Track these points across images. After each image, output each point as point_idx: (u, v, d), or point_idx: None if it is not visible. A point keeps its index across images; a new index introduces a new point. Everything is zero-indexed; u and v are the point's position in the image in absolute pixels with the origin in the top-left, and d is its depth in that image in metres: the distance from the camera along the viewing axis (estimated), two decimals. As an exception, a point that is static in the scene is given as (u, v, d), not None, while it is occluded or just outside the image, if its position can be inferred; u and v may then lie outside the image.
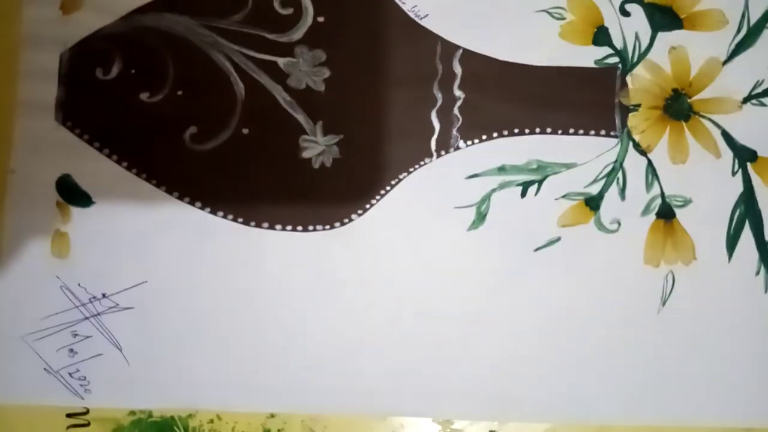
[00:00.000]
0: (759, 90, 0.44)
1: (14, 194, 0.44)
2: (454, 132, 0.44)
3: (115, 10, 0.45)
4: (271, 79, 0.44)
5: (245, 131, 0.44)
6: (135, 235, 0.44)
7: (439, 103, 0.44)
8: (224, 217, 0.44)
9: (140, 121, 0.44)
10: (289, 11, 0.44)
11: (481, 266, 0.43)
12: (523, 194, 0.44)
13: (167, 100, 0.44)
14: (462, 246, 0.44)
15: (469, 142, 0.44)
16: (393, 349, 0.43)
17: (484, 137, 0.44)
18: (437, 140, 0.44)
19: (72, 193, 0.44)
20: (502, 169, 0.44)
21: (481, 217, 0.44)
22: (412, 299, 0.43)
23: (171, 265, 0.44)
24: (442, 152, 0.44)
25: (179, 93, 0.44)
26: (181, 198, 0.44)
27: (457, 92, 0.44)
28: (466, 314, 0.43)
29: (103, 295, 0.43)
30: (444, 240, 0.44)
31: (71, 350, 0.43)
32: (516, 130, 0.44)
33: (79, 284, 0.44)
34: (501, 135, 0.44)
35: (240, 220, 0.44)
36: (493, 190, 0.44)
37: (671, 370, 0.43)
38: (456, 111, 0.44)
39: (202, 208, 0.44)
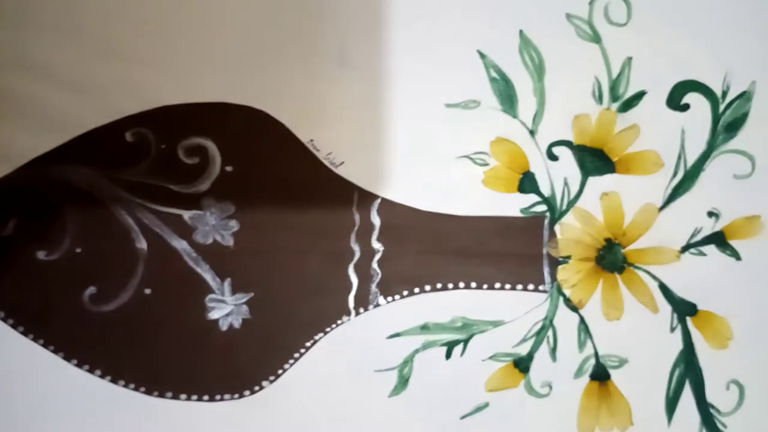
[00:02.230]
0: (698, 238, 0.41)
1: None
2: (373, 287, 0.41)
3: (12, 159, 0.42)
4: (175, 234, 0.41)
5: (147, 291, 0.41)
6: (30, 407, 0.40)
7: (356, 257, 0.41)
8: (125, 386, 0.41)
9: (36, 282, 0.41)
10: (195, 160, 0.42)
11: (404, 436, 0.41)
12: (448, 355, 0.41)
13: (65, 258, 0.41)
14: (383, 415, 0.40)
15: (389, 299, 0.41)
16: None
17: (405, 293, 0.41)
18: (355, 297, 0.41)
19: (-38, 361, 0.41)
20: (425, 328, 0.41)
21: (403, 382, 0.41)
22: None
23: (68, 440, 0.41)
24: (361, 310, 0.41)
25: (78, 251, 0.41)
26: (79, 366, 0.41)
27: (376, 244, 0.42)
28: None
29: (-4, 472, 0.41)
30: (364, 408, 0.41)
31: None
32: (439, 285, 0.41)
33: (-30, 460, 0.41)
34: (423, 290, 0.41)
35: (142, 389, 0.41)
36: (416, 351, 0.41)
37: None
38: (375, 265, 0.41)
39: (102, 376, 0.41)
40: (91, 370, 0.41)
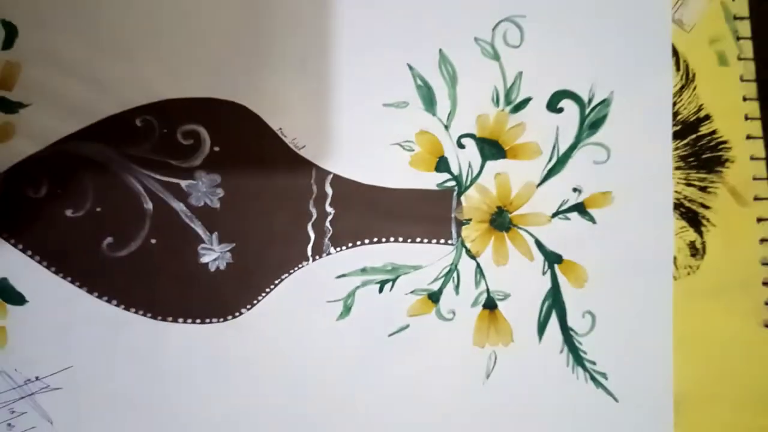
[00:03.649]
0: (564, 207, 0.54)
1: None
2: (326, 240, 0.54)
3: (43, 139, 0.52)
4: (174, 198, 0.53)
5: (153, 241, 0.53)
6: (62, 328, 0.52)
7: (314, 218, 0.54)
8: (136, 312, 0.52)
9: (65, 233, 0.52)
10: (190, 142, 0.53)
11: (348, 349, 0.53)
12: (380, 290, 0.54)
13: (88, 215, 0.52)
14: (332, 333, 0.53)
15: (338, 249, 0.54)
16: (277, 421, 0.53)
17: (350, 244, 0.54)
18: (312, 247, 0.54)
19: (9, 294, 0.52)
20: (364, 270, 0.54)
21: (347, 309, 0.54)
22: (292, 378, 0.53)
23: (92, 352, 0.52)
24: (317, 257, 0.54)
25: (98, 209, 0.52)
26: (100, 297, 0.52)
27: (329, 208, 0.54)
28: (336, 389, 0.53)
29: (36, 378, 0.52)
30: (318, 329, 0.53)
31: (9, 425, 0.52)
32: (375, 239, 0.54)
33: (15, 369, 0.52)
34: (363, 243, 0.54)
35: (149, 314, 0.53)
36: (357, 287, 0.53)
37: (494, 430, 0.54)
38: (327, 224, 0.54)
39: (117, 305, 0.52)
40: (108, 300, 0.52)
